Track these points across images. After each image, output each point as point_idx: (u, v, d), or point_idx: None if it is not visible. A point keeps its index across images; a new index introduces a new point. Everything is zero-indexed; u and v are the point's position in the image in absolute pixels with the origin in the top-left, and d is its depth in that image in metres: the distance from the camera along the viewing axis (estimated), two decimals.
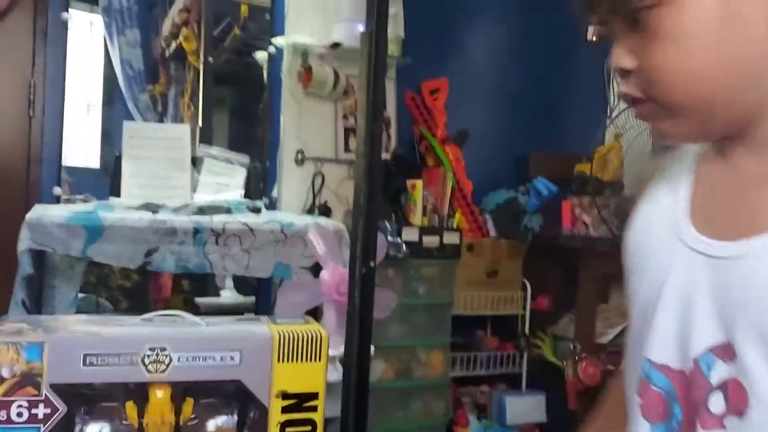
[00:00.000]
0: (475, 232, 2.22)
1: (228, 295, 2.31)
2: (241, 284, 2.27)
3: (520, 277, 2.24)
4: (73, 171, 2.58)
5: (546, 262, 2.35)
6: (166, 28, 2.85)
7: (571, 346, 2.10)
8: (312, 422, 0.85)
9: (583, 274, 2.23)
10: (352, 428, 1.38)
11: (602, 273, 2.27)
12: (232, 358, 0.81)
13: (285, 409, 0.83)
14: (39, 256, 1.49)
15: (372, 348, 1.57)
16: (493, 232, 2.25)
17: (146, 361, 0.78)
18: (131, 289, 2.25)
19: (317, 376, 0.85)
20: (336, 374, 1.58)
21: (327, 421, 1.75)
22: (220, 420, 0.93)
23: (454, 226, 2.16)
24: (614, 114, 2.55)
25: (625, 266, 0.66)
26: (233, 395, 0.88)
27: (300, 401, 0.84)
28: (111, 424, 0.86)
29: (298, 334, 0.84)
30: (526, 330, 2.21)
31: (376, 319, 1.44)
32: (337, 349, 1.60)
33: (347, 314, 1.38)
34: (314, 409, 0.85)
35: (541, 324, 2.26)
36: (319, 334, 0.85)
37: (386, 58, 1.43)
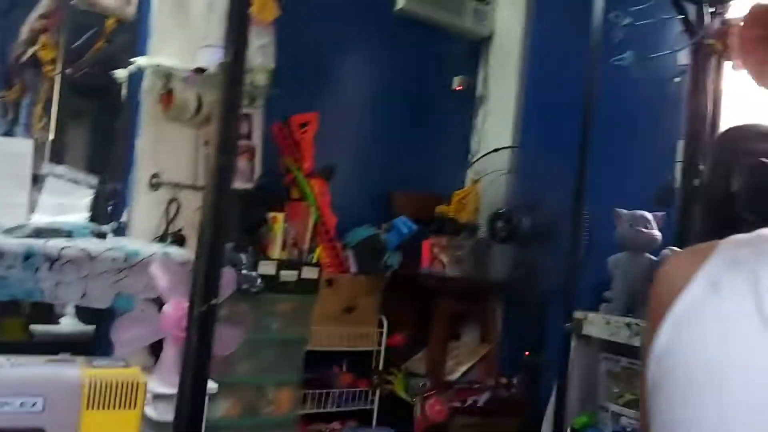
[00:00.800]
0: (336, 267, 2.23)
1: (68, 322, 2.16)
2: (85, 312, 2.12)
3: (377, 314, 2.27)
4: None
5: (403, 300, 2.40)
6: (24, 32, 2.67)
7: (420, 383, 2.15)
8: None
9: (437, 312, 2.30)
10: None
11: (454, 311, 2.35)
12: (34, 404, 0.75)
13: None
14: None
15: (215, 385, 1.52)
16: (353, 268, 2.26)
17: None
18: None
19: (131, 425, 0.81)
20: (172, 414, 1.51)
21: None
22: None
23: (315, 260, 2.16)
24: (474, 159, 2.68)
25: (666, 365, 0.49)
26: None
27: None
28: None
29: (111, 380, 0.79)
30: (380, 366, 2.24)
31: (218, 356, 1.40)
32: (176, 388, 1.53)
33: (184, 352, 1.33)
34: None
35: (395, 360, 2.30)
36: (135, 380, 0.81)
37: (242, 89, 1.41)
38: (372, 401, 2.23)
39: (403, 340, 2.31)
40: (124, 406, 0.78)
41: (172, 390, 1.56)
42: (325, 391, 2.15)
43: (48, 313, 2.23)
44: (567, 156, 1.84)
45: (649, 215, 1.84)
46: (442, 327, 2.31)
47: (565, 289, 1.79)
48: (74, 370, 0.78)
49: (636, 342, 1.60)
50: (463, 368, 2.32)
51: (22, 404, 0.74)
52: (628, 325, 1.66)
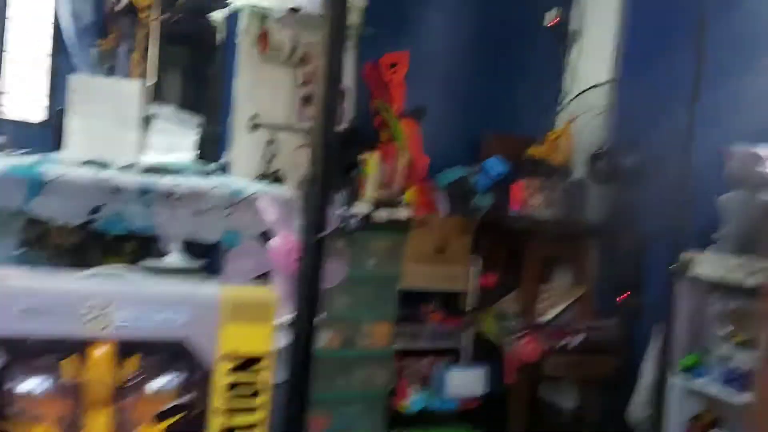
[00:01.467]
0: (427, 208, 2.24)
1: (174, 259, 2.27)
2: (189, 249, 2.22)
3: (468, 255, 2.27)
4: (15, 124, 2.48)
5: (494, 241, 2.39)
6: None
7: (513, 324, 2.15)
8: (259, 386, 0.85)
9: (528, 254, 2.28)
10: (296, 395, 1.38)
11: (546, 253, 2.33)
12: (177, 318, 0.80)
13: (231, 372, 0.83)
14: None
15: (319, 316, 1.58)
16: (444, 209, 2.27)
17: (86, 317, 0.76)
18: (72, 250, 2.19)
19: (265, 338, 0.85)
20: (282, 341, 1.58)
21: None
22: (162, 381, 0.92)
23: (406, 201, 2.17)
24: (567, 99, 2.59)
25: None
26: (177, 356, 0.87)
27: (247, 364, 0.84)
28: (47, 381, 0.84)
29: (247, 296, 0.83)
30: (471, 306, 2.25)
31: (324, 289, 1.44)
32: (284, 317, 1.59)
33: (297, 283, 1.38)
34: (261, 372, 0.85)
35: (486, 301, 2.31)
36: (269, 298, 0.84)
37: (346, 26, 1.41)
38: (462, 339, 2.25)
39: (494, 282, 2.31)
40: (259, 322, 0.82)
41: (283, 320, 1.63)
42: (418, 327, 2.19)
43: (153, 249, 2.35)
44: (673, 89, 1.75)
45: (763, 153, 1.74)
46: (533, 269, 2.29)
47: (671, 229, 1.73)
48: (212, 287, 0.82)
49: (751, 282, 1.54)
50: (556, 310, 2.30)
51: (165, 318, 0.78)
52: (742, 265, 1.59)
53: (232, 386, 0.83)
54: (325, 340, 1.96)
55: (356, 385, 2.02)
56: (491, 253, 2.38)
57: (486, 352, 2.27)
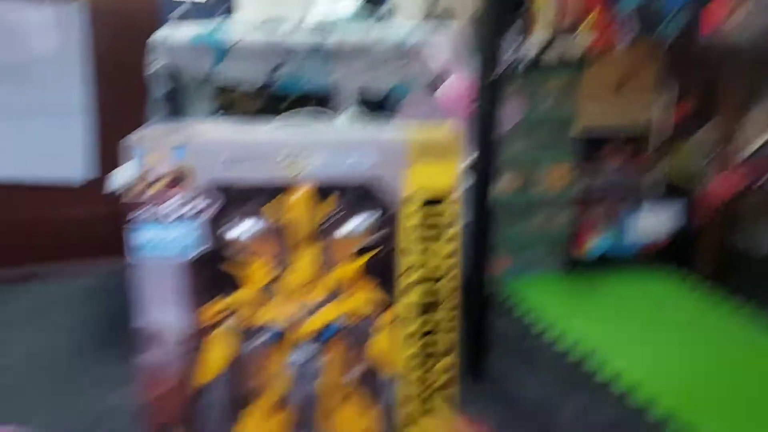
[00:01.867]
0: (607, 38, 2.04)
1: (350, 114, 2.32)
2: (363, 104, 2.24)
3: (654, 88, 2.07)
4: None
5: (683, 71, 2.15)
6: None
7: (708, 159, 1.98)
8: (447, 223, 0.86)
9: (725, 83, 2.03)
10: (479, 238, 1.40)
11: (745, 83, 2.05)
12: (368, 160, 0.82)
13: (420, 210, 0.85)
14: (169, 77, 1.54)
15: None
16: (627, 38, 2.06)
17: (283, 163, 0.80)
18: (257, 114, 2.32)
19: (451, 177, 0.85)
20: (463, 186, 1.59)
21: None
22: (355, 223, 0.97)
23: (582, 33, 1.99)
24: None
25: None
26: (367, 197, 0.90)
27: (435, 202, 0.85)
28: (255, 225, 0.92)
29: (432, 135, 0.83)
30: (657, 143, 2.09)
31: (501, 131, 1.41)
32: (463, 163, 1.59)
33: (474, 126, 1.35)
34: (449, 209, 0.86)
35: (675, 136, 2.12)
36: (453, 135, 0.83)
37: None
38: (650, 178, 2.12)
39: (684, 116, 2.11)
40: (445, 159, 0.81)
41: (463, 164, 1.63)
42: (599, 169, 2.09)
43: (332, 106, 2.40)
44: None
45: None
46: (731, 99, 2.04)
47: None
48: (397, 129, 0.81)
49: None
50: (755, 145, 2.06)
51: (353, 161, 0.80)
52: None
53: (421, 225, 0.85)
54: (503, 184, 1.94)
55: (536, 229, 2.01)
56: (681, 84, 2.15)
57: (673, 193, 2.12)
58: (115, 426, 1.15)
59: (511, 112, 1.54)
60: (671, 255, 2.11)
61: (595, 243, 2.06)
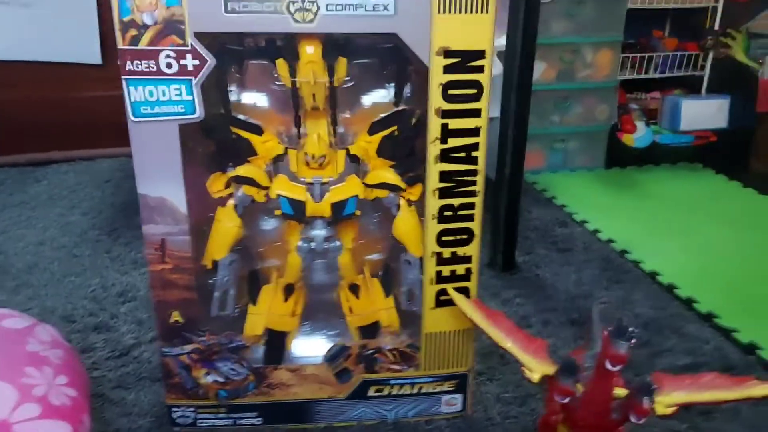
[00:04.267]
0: None
1: None
2: None
3: None
4: None
5: None
6: None
7: None
8: (478, 84, 0.76)
9: None
10: (511, 131, 1.30)
11: None
12: (386, 7, 0.70)
13: (448, 69, 0.74)
14: None
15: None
16: None
17: (292, 8, 0.70)
18: None
19: (484, 31, 0.73)
20: (496, 69, 1.46)
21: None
22: (378, 92, 0.87)
23: None
24: None
25: None
26: (389, 56, 0.80)
27: (464, 60, 0.74)
28: (265, 88, 0.82)
29: None
30: (715, 26, 1.90)
31: (541, 4, 1.26)
32: (498, 41, 1.45)
33: None
34: (480, 69, 0.75)
35: (735, 19, 1.93)
36: None
37: None
38: (702, 67, 1.95)
39: None
40: (476, 11, 0.69)
41: (497, 44, 1.49)
42: (647, 54, 1.92)
43: None
44: None
45: None
46: None
47: None
48: None
49: None
50: None
51: (375, 7, 0.68)
52: None
53: (450, 85, 0.75)
54: (540, 71, 1.80)
55: (575, 120, 1.88)
56: None
57: (733, 80, 1.95)
58: (131, 305, 1.12)
59: None
60: (720, 152, 1.97)
61: (638, 136, 1.92)
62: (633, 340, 0.63)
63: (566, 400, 0.68)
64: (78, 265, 1.27)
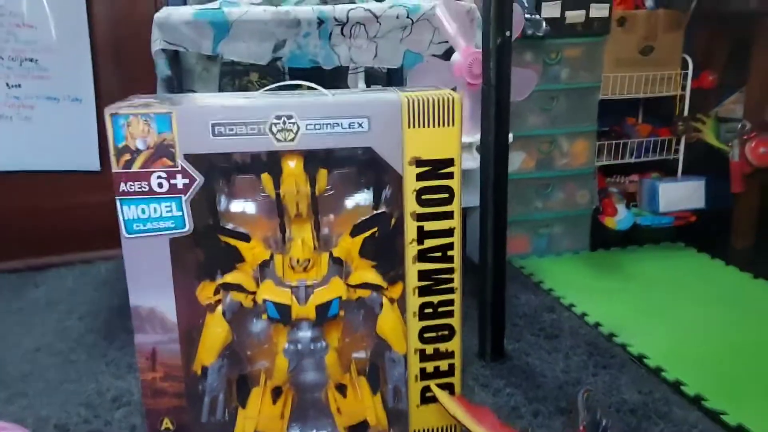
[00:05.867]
0: (628, 2, 1.96)
1: (361, 86, 2.26)
2: (372, 77, 2.18)
3: (680, 54, 1.98)
4: None
5: (711, 36, 2.06)
6: None
7: (739, 126, 1.88)
8: (449, 189, 0.81)
9: (757, 45, 1.93)
10: (491, 217, 1.35)
11: None
12: (360, 125, 0.77)
13: (420, 177, 0.80)
14: (174, 58, 1.50)
15: (510, 135, 1.49)
16: (650, 2, 1.97)
17: (274, 129, 0.76)
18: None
19: (451, 141, 0.79)
20: (473, 162, 1.53)
21: (465, 211, 1.73)
22: (358, 197, 0.92)
23: None
24: None
25: None
26: (366, 165, 0.86)
27: (435, 168, 0.80)
28: (251, 198, 0.88)
29: (428, 99, 0.77)
30: (685, 112, 2.00)
31: (514, 102, 1.34)
32: (473, 137, 1.53)
33: (482, 93, 1.29)
34: (450, 176, 0.81)
35: (703, 105, 2.03)
36: (450, 98, 0.78)
37: None
38: (675, 151, 2.03)
39: (713, 82, 2.01)
40: (443, 124, 0.76)
41: (470, 139, 1.57)
42: (622, 141, 2.01)
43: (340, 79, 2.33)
44: None
45: None
46: (763, 62, 1.94)
47: None
48: (393, 94, 0.76)
49: None
50: None
51: (350, 125, 0.75)
52: None
53: (424, 191, 0.80)
54: (519, 162, 1.88)
55: (557, 206, 1.94)
56: (708, 49, 2.05)
57: (705, 162, 2.03)
58: (125, 411, 1.12)
59: (524, 80, 1.47)
60: (701, 231, 2.02)
61: (619, 219, 1.98)
62: None
63: None
64: (74, 371, 1.29)
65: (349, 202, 0.92)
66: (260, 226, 0.88)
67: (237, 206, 0.89)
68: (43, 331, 1.47)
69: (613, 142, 2.00)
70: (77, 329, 1.47)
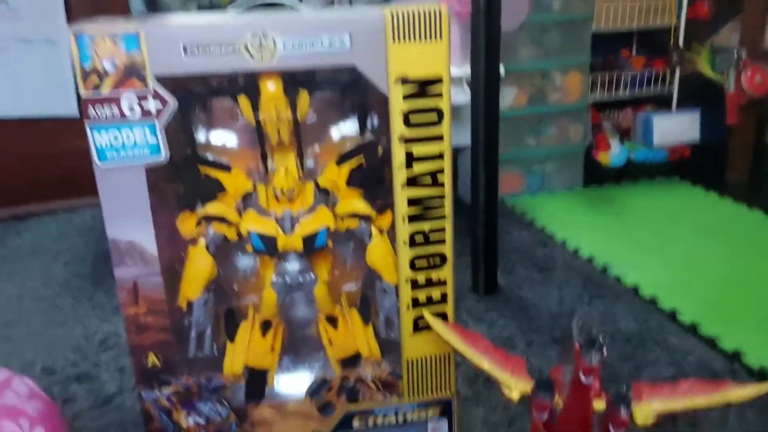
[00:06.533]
0: None
1: None
2: None
3: None
4: None
5: None
6: None
7: (735, 56, 1.84)
8: (438, 111, 0.77)
9: None
10: (482, 154, 1.31)
11: None
12: (342, 42, 0.72)
13: (407, 97, 0.76)
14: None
15: (502, 69, 1.44)
16: None
17: (250, 48, 0.71)
18: None
19: (439, 57, 0.75)
20: (464, 96, 1.49)
21: (456, 151, 1.69)
22: (343, 127, 0.88)
23: None
24: None
25: None
26: (350, 89, 0.81)
27: (422, 87, 0.76)
28: (231, 129, 0.83)
29: (413, 12, 0.73)
30: (680, 43, 1.95)
31: (505, 33, 1.29)
32: (464, 69, 1.48)
33: (471, 25, 1.24)
34: (439, 96, 0.77)
35: (698, 35, 1.98)
36: (437, 11, 0.73)
37: None
38: (670, 84, 1.99)
39: (708, 11, 1.95)
40: (430, 38, 0.71)
41: (460, 72, 1.52)
42: (616, 74, 1.96)
43: None
44: None
45: None
46: None
47: None
48: (375, 9, 0.72)
49: None
50: None
51: (331, 42, 0.70)
52: None
53: (411, 113, 0.76)
54: (511, 98, 1.83)
55: (549, 143, 1.91)
56: None
57: (700, 95, 1.99)
58: (113, 353, 1.11)
59: (514, 10, 1.42)
60: (695, 165, 2.00)
61: (613, 154, 1.95)
62: (604, 351, 0.63)
63: (545, 416, 0.68)
64: (59, 316, 1.26)
65: (335, 133, 0.88)
66: (241, 157, 0.84)
67: (216, 138, 0.85)
68: (26, 277, 1.44)
69: (607, 74, 1.95)
70: (62, 275, 1.44)
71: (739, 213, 1.74)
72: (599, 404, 0.71)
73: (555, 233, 1.63)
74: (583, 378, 0.64)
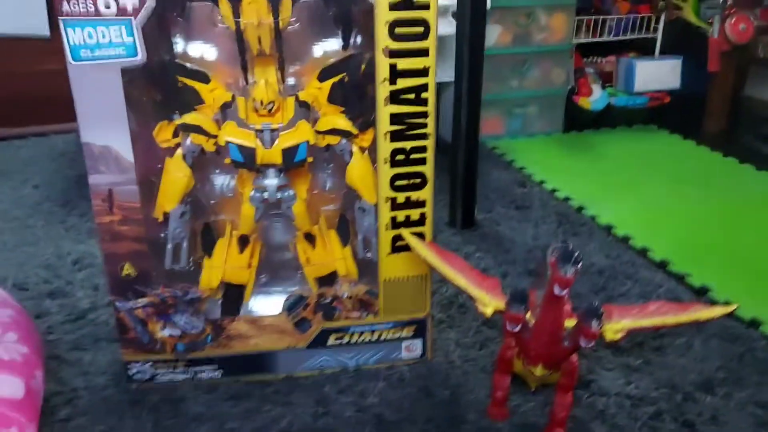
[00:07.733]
0: None
1: None
2: None
3: None
4: None
5: None
6: None
7: (721, 2, 1.83)
8: (424, 23, 0.76)
9: None
10: (465, 93, 1.30)
11: None
12: None
13: (393, 7, 0.74)
14: None
15: (488, 1, 1.41)
16: None
17: None
18: None
19: None
20: (450, 27, 1.46)
21: (440, 86, 1.68)
22: (326, 44, 0.86)
23: None
24: None
25: None
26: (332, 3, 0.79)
27: (405, 5, 0.74)
28: (210, 40, 0.81)
29: None
30: None
31: None
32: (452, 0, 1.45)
33: None
34: (426, 6, 0.75)
35: None
36: None
37: None
38: (655, 29, 1.97)
39: None
40: None
41: (449, 1, 1.49)
42: (601, 18, 1.94)
43: None
44: None
45: None
46: None
47: None
48: None
49: None
50: None
51: None
52: None
53: (397, 24, 0.74)
54: (495, 36, 1.80)
55: (531, 84, 1.89)
56: None
57: (684, 41, 1.98)
58: (87, 272, 1.10)
59: None
60: (674, 114, 2.01)
61: (594, 99, 1.95)
62: (579, 264, 0.64)
63: (517, 329, 0.69)
64: (31, 236, 1.24)
65: (317, 49, 0.86)
66: (222, 71, 0.82)
67: (196, 48, 0.82)
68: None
69: (592, 18, 1.93)
70: (33, 197, 1.42)
71: (714, 161, 1.77)
72: (570, 322, 0.72)
73: (533, 174, 1.64)
74: (557, 290, 0.65)
